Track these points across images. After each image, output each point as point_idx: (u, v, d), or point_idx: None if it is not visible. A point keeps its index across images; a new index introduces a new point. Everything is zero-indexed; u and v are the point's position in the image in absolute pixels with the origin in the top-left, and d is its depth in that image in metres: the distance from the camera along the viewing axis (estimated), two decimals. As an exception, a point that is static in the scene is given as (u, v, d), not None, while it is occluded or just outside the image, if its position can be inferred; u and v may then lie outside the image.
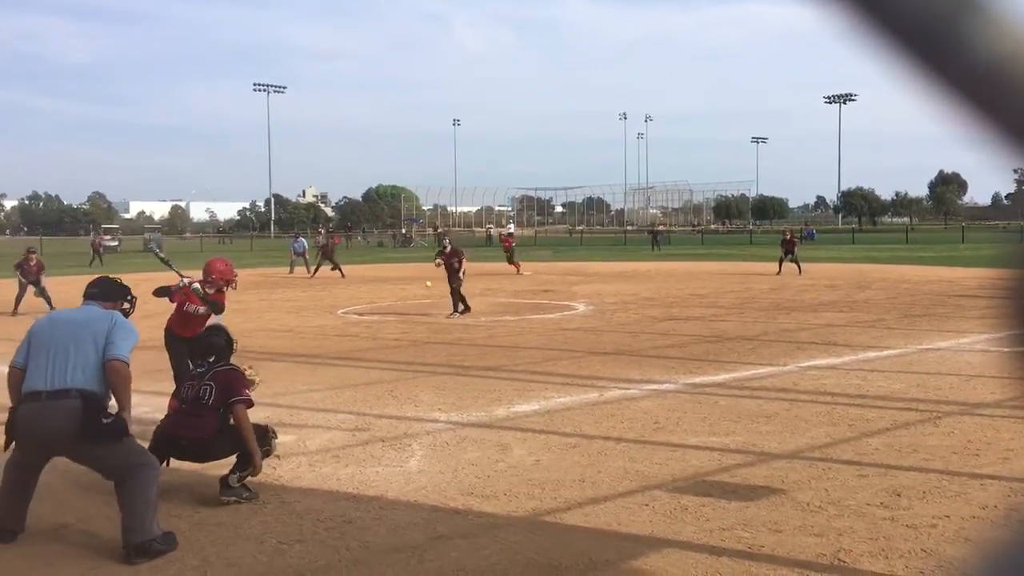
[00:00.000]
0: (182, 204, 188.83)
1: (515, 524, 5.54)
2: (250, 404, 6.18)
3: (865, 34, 0.56)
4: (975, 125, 0.56)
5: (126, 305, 6.10)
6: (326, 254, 32.73)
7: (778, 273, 28.44)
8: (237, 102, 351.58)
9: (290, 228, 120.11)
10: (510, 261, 31.66)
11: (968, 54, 0.53)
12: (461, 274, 17.82)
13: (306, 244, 36.25)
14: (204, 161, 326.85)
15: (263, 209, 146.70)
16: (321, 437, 7.77)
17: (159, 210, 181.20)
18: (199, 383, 6.26)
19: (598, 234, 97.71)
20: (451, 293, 17.79)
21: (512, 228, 64.31)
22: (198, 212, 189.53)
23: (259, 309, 19.83)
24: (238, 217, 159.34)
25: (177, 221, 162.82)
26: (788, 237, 29.90)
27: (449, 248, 18.90)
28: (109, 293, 5.97)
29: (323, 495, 6.14)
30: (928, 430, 7.85)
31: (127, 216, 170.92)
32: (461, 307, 17.71)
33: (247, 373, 6.56)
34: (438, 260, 18.80)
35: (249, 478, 6.09)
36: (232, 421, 6.07)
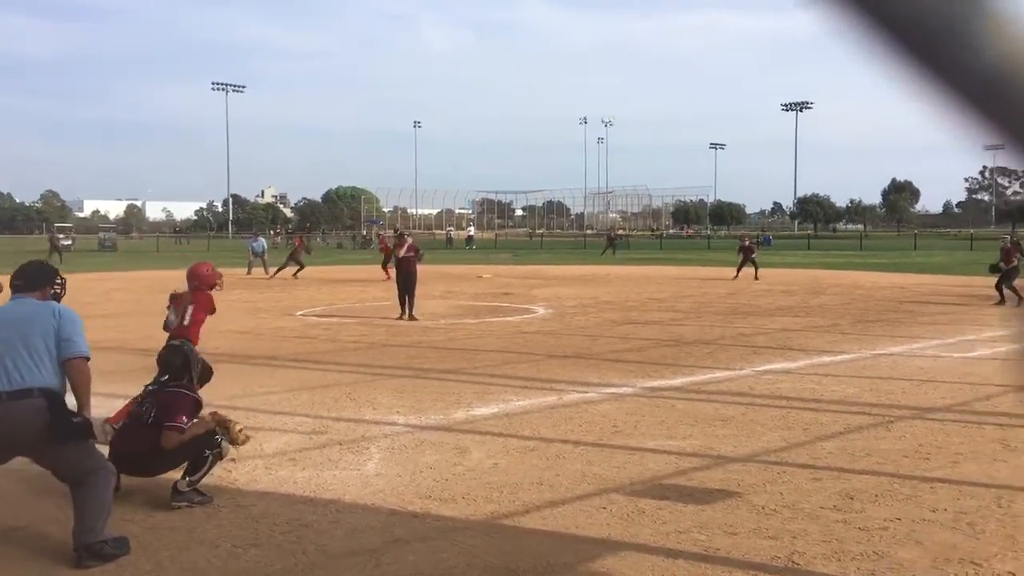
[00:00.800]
0: (138, 203, 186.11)
1: (473, 527, 5.53)
2: (181, 431, 5.99)
3: (869, 39, 0.56)
4: (981, 128, 0.57)
5: (56, 289, 5.62)
6: (294, 256, 32.12)
7: (735, 278, 28.96)
8: (195, 101, 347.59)
9: (248, 228, 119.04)
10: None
11: (973, 58, 0.54)
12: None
13: (265, 244, 35.39)
14: (161, 160, 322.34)
15: (221, 209, 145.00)
16: (278, 440, 7.70)
17: (114, 209, 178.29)
18: (144, 401, 6.26)
19: (558, 238, 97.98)
20: (411, 296, 17.67)
21: (472, 231, 64.43)
22: (154, 212, 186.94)
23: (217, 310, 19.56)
24: (195, 217, 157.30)
25: (133, 220, 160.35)
26: (747, 244, 30.56)
27: (409, 241, 18.74)
28: (35, 281, 5.51)
29: (279, 498, 6.09)
30: (880, 434, 7.98)
31: (81, 215, 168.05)
32: (408, 311, 17.46)
33: (239, 432, 6.41)
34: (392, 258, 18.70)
35: (204, 480, 6.01)
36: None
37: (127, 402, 6.99)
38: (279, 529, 5.46)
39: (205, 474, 5.99)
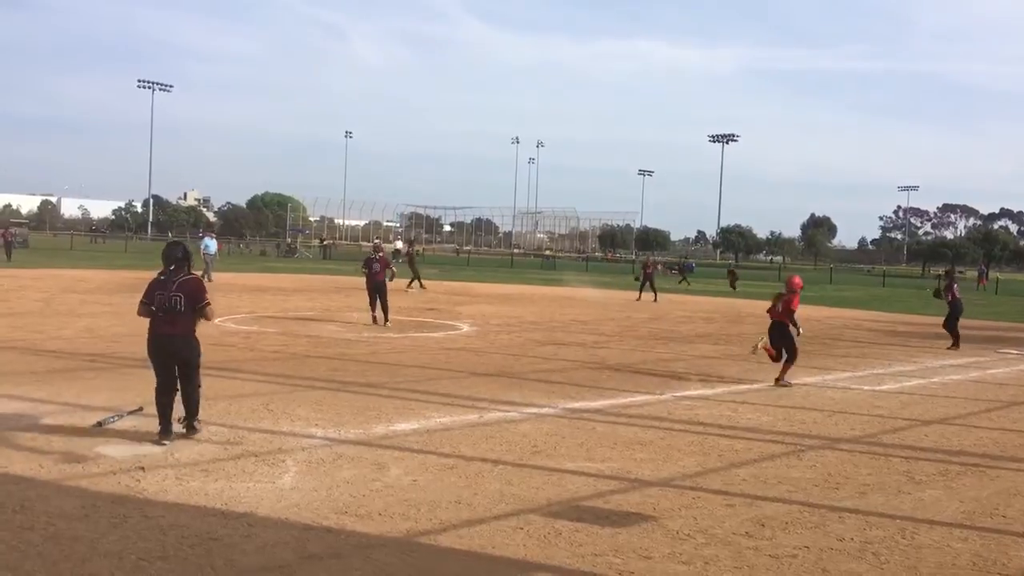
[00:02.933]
0: (53, 199, 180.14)
1: (389, 545, 5.47)
2: (210, 303, 7.90)
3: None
4: None
5: None
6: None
7: (638, 299, 31.30)
8: (119, 98, 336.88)
9: (169, 230, 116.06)
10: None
11: None
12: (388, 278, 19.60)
13: (215, 245, 32.83)
14: (80, 156, 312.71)
15: (140, 210, 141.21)
16: (190, 449, 7.50)
17: (27, 204, 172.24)
18: (169, 293, 7.71)
19: (485, 255, 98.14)
20: (385, 304, 18.92)
21: (400, 243, 63.78)
22: (70, 209, 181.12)
23: (132, 313, 19.04)
24: (113, 216, 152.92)
25: (47, 216, 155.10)
26: (648, 270, 33.33)
27: (381, 256, 19.96)
28: None
29: (189, 510, 5.92)
30: (792, 462, 8.17)
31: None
32: (381, 318, 18.85)
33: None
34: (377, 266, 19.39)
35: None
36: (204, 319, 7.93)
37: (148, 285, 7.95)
38: (188, 542, 5.31)
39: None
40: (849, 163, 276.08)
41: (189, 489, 6.39)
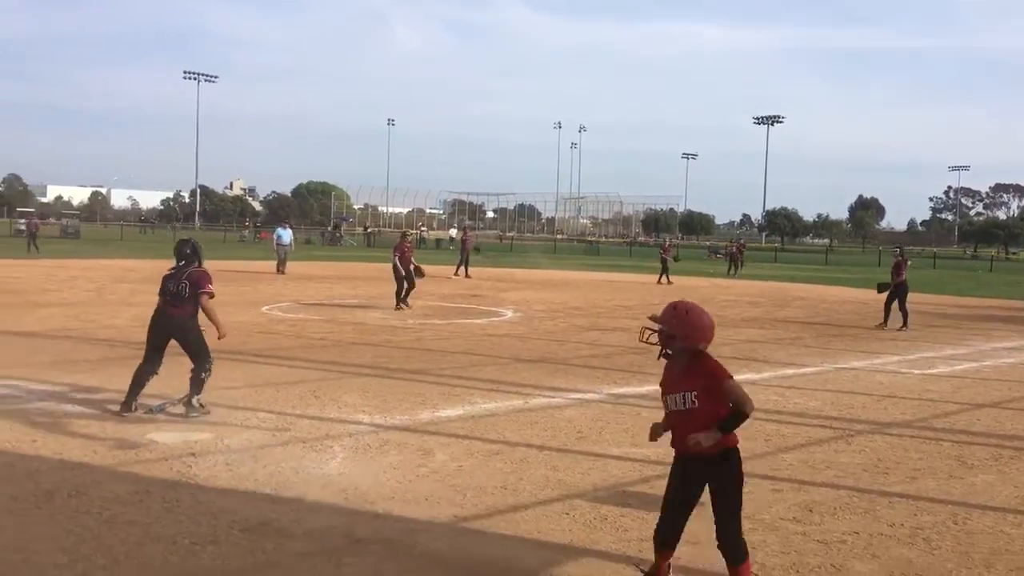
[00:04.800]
0: (103, 190, 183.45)
1: (435, 530, 5.51)
2: (211, 295, 8.43)
3: None
4: None
5: None
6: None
7: (659, 282, 31.81)
8: (166, 89, 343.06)
9: (216, 220, 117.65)
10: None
11: None
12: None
13: (289, 235, 31.44)
14: (129, 148, 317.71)
15: (188, 200, 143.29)
16: (240, 436, 7.62)
17: (78, 195, 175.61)
18: (178, 281, 8.38)
19: (528, 241, 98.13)
20: (409, 286, 19.48)
21: (454, 232, 63.71)
22: (120, 200, 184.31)
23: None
24: (161, 207, 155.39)
25: (97, 208, 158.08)
26: (666, 248, 35.20)
27: (410, 242, 20.88)
28: None
29: (240, 495, 6.03)
30: (841, 447, 8.07)
31: (44, 200, 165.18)
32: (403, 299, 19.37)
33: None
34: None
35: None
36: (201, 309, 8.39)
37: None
38: (238, 526, 5.40)
39: (202, 389, 8.27)
40: (898, 143, 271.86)
41: (239, 475, 6.50)
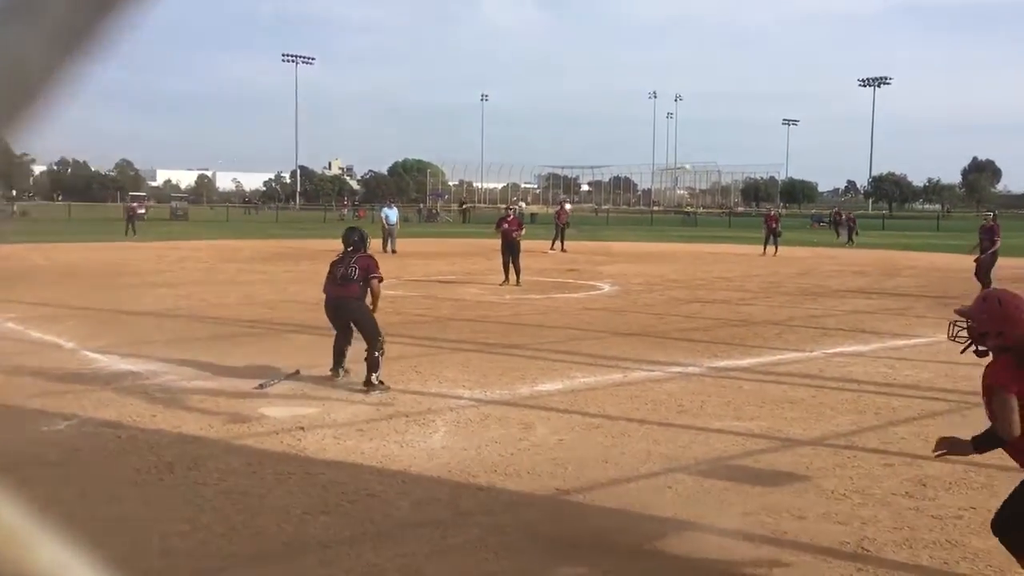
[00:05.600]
0: (208, 173, 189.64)
1: (537, 503, 5.56)
2: (381, 279, 8.97)
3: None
4: None
5: None
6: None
7: (763, 254, 29.66)
8: (265, 72, 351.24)
9: (315, 200, 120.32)
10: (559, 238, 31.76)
11: None
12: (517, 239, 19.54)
13: (396, 215, 31.22)
14: (231, 131, 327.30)
15: (288, 180, 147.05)
16: (345, 411, 7.82)
17: (185, 179, 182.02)
18: (346, 265, 8.86)
19: (624, 214, 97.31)
20: (518, 265, 19.21)
21: (569, 206, 62.97)
22: (224, 182, 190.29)
23: (285, 280, 19.96)
24: (263, 188, 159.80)
25: (203, 190, 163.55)
26: (771, 217, 32.13)
27: (512, 216, 20.47)
28: None
29: (348, 468, 6.19)
30: (955, 421, 7.77)
31: (154, 184, 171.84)
32: (514, 278, 19.08)
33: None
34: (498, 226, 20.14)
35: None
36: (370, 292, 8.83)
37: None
38: (347, 498, 5.56)
39: (379, 367, 8.47)
40: (1014, 101, 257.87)
41: (346, 448, 6.68)
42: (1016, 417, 3.81)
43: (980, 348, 4.01)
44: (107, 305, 15.06)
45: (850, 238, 40.50)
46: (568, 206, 39.53)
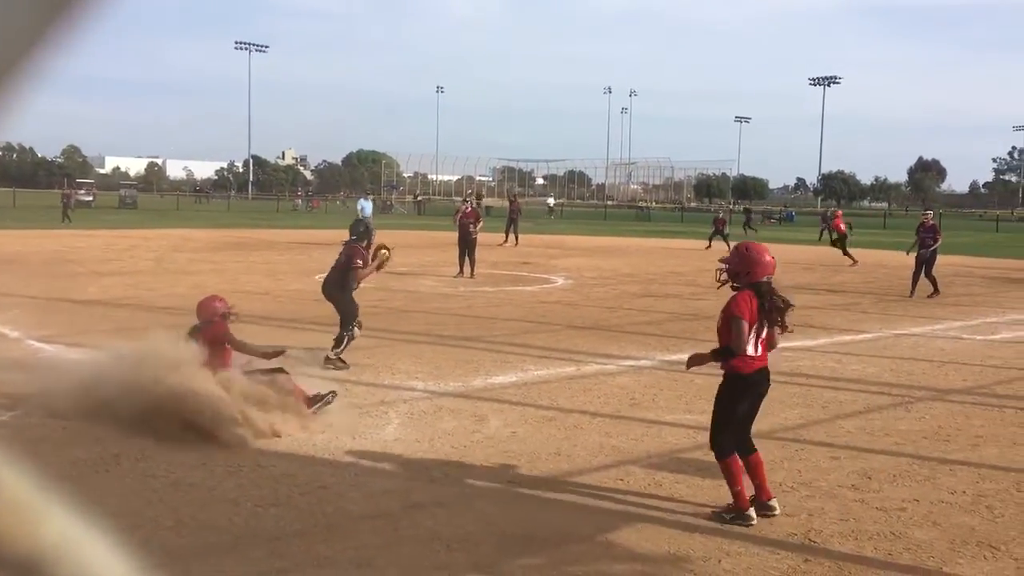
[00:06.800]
0: (159, 161, 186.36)
1: (491, 495, 5.57)
2: (362, 267, 9.49)
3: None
4: None
5: None
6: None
7: (707, 248, 29.97)
8: (217, 60, 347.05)
9: (269, 190, 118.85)
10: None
11: None
12: (474, 235, 19.52)
13: (371, 206, 31.71)
14: (183, 119, 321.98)
15: (241, 170, 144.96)
16: (298, 402, 7.73)
17: (135, 166, 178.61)
18: (341, 253, 9.62)
19: (579, 208, 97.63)
20: (473, 258, 19.32)
21: (552, 201, 62.49)
22: (175, 170, 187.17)
23: (236, 271, 19.71)
24: (215, 177, 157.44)
25: (153, 178, 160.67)
26: (719, 218, 33.63)
27: (469, 208, 20.55)
28: None
29: (299, 460, 6.14)
30: (900, 415, 7.95)
31: (102, 171, 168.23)
32: (468, 271, 19.19)
33: (381, 253, 9.82)
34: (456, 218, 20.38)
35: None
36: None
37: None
38: (299, 490, 5.51)
39: (345, 348, 9.13)
40: (960, 103, 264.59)
41: (298, 440, 6.62)
42: (746, 337, 5.14)
43: (734, 285, 5.27)
44: (53, 294, 14.73)
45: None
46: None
